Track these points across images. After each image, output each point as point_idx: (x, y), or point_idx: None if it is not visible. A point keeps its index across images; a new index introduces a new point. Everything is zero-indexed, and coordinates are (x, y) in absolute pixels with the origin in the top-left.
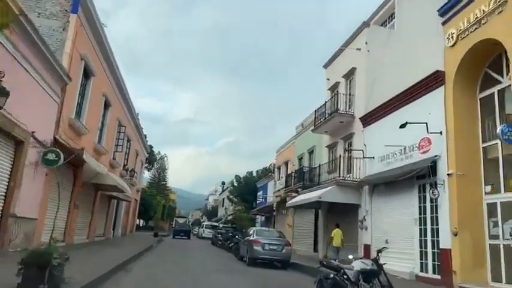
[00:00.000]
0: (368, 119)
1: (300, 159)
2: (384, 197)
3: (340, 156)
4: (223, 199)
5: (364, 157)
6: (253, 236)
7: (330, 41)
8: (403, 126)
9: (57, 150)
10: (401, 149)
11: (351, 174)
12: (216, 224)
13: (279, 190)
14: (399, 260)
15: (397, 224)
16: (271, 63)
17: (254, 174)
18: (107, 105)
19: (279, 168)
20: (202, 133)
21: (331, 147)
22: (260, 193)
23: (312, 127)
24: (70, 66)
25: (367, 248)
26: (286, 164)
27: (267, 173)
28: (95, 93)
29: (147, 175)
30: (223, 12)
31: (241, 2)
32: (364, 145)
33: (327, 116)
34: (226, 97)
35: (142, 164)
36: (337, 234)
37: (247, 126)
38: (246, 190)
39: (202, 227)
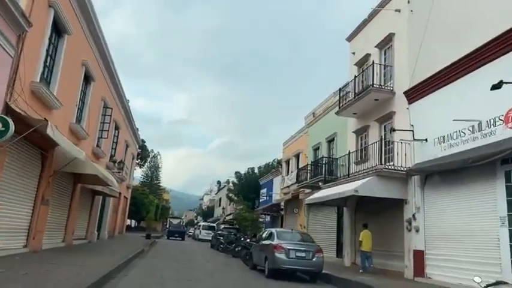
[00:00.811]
0: (416, 93)
1: (316, 149)
2: (443, 189)
3: (382, 139)
4: (220, 198)
5: (415, 139)
6: (274, 240)
7: (327, 41)
8: (496, 87)
9: (4, 117)
10: (474, 125)
11: (392, 163)
12: (214, 224)
13: (288, 186)
14: (475, 273)
15: (467, 225)
16: (266, 64)
17: (256, 171)
18: (88, 79)
19: (287, 162)
20: (196, 134)
21: (360, 132)
22: (264, 191)
23: (328, 112)
24: (31, 10)
25: (418, 254)
26: (297, 156)
27: (269, 169)
28: (71, 59)
29: (139, 173)
30: (217, 13)
31: (234, 3)
32: (411, 125)
33: (356, 94)
34: (220, 98)
35: (134, 158)
36: (366, 237)
37: (241, 127)
38: (247, 188)
39: (199, 228)
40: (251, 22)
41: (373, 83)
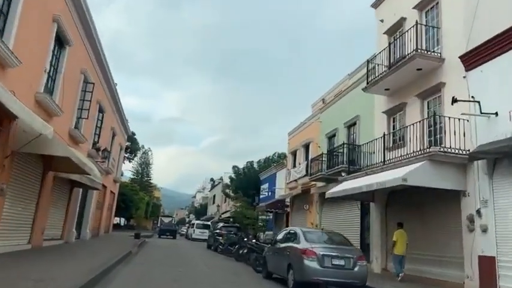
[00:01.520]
0: (478, 57)
1: (331, 137)
2: None
3: (435, 114)
4: (214, 196)
5: (482, 113)
6: (300, 242)
7: (326, 41)
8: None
9: None
10: None
11: (442, 146)
12: (209, 223)
13: (295, 180)
14: None
15: None
16: (261, 64)
17: (255, 165)
18: (61, 41)
19: (293, 153)
20: (188, 132)
21: (394, 112)
22: (265, 186)
23: (346, 93)
24: None
25: (486, 261)
26: (307, 146)
27: (270, 163)
28: (37, 8)
29: (128, 167)
30: (213, 11)
31: (229, 1)
32: (472, 98)
33: (391, 65)
34: (214, 97)
35: (122, 149)
36: (401, 237)
37: (235, 126)
38: (246, 183)
39: (193, 227)
40: (248, 20)
41: (417, 47)
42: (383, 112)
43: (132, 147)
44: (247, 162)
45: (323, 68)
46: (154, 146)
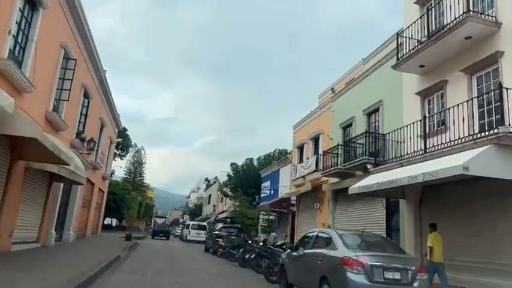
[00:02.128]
0: None
1: (346, 127)
2: None
3: (501, 85)
4: (210, 195)
5: None
6: (338, 248)
7: (322, 41)
8: None
9: None
10: None
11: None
12: (205, 223)
13: (303, 176)
14: None
15: None
16: (254, 64)
17: (255, 162)
18: (34, 4)
19: (300, 148)
20: (182, 133)
21: (430, 92)
22: (266, 184)
23: (363, 78)
24: None
25: None
26: (316, 139)
27: (271, 160)
28: None
29: (120, 165)
30: (206, 9)
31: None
32: None
33: (430, 35)
34: (208, 96)
35: (112, 144)
36: (437, 242)
37: (228, 126)
38: (245, 181)
39: (188, 228)
40: (243, 20)
41: (468, 9)
42: (416, 94)
43: (123, 144)
44: (247, 159)
45: (319, 68)
46: (147, 147)
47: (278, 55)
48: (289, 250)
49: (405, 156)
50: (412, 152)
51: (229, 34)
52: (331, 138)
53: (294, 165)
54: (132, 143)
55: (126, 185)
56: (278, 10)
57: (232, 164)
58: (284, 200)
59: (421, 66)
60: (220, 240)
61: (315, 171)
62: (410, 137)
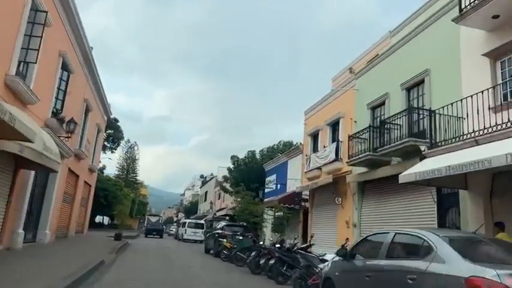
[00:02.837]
0: None
1: (376, 107)
2: None
3: None
4: (206, 192)
5: None
6: (449, 261)
7: (318, 41)
8: None
9: None
10: None
11: None
12: (202, 221)
13: (318, 167)
14: None
15: None
16: (250, 63)
17: (257, 156)
18: None
19: (314, 135)
20: (176, 131)
21: (505, 51)
22: (271, 178)
23: (399, 46)
24: None
25: None
26: (335, 124)
27: (275, 152)
28: None
29: (109, 158)
30: (201, 8)
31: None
32: None
33: None
34: (203, 95)
35: (100, 132)
36: None
37: (222, 125)
38: (247, 175)
39: (184, 226)
40: (240, 20)
41: None
42: (484, 55)
43: (115, 136)
44: (249, 151)
45: (317, 67)
46: (141, 145)
47: (275, 55)
48: (337, 258)
49: (470, 135)
50: (481, 128)
51: (225, 33)
52: (355, 122)
53: (306, 155)
54: (124, 136)
55: (118, 181)
56: (275, 10)
57: (232, 157)
58: (295, 194)
59: (495, 17)
60: (225, 240)
61: (334, 160)
62: (476, 111)
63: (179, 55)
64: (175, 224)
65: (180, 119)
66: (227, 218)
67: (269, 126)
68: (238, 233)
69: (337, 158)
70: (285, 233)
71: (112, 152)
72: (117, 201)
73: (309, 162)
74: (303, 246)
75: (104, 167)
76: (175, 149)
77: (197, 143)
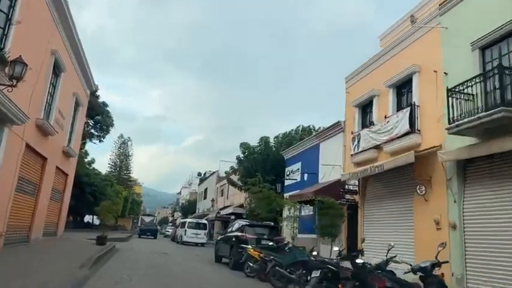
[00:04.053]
0: None
1: (488, 46)
2: None
3: None
4: (206, 189)
5: None
6: None
7: (313, 42)
8: None
9: None
10: None
11: None
12: (204, 221)
13: (376, 146)
14: None
15: None
16: (244, 64)
17: (271, 143)
18: None
19: (363, 106)
20: (171, 131)
21: None
22: (294, 167)
23: None
24: None
25: None
26: (405, 83)
27: (292, 139)
28: None
29: (94, 143)
30: (196, 8)
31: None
32: None
33: None
34: (198, 95)
35: (80, 107)
36: None
37: (217, 125)
38: (261, 165)
39: (183, 227)
40: (234, 19)
41: None
42: None
43: (103, 122)
44: (262, 138)
45: (310, 69)
46: (135, 145)
47: (270, 54)
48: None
49: None
50: None
51: (220, 33)
52: (445, 74)
53: (352, 133)
54: (114, 123)
55: (108, 176)
56: (271, 9)
57: (242, 145)
58: (338, 185)
59: None
60: (250, 248)
61: (407, 133)
62: None
63: (174, 55)
64: (170, 224)
65: (175, 118)
66: (232, 217)
67: (264, 126)
68: (265, 236)
69: (412, 130)
70: (337, 238)
71: (100, 141)
72: (106, 198)
73: (358, 142)
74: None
75: (92, 160)
76: (170, 149)
77: (192, 143)
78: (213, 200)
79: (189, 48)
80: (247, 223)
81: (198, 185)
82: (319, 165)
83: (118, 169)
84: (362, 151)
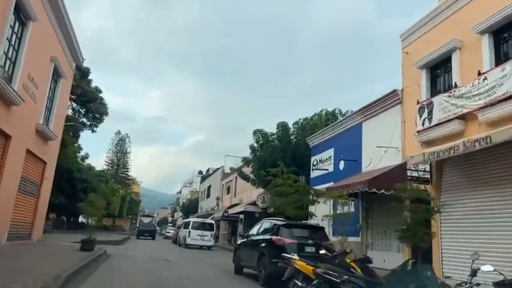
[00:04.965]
0: None
1: None
2: None
3: None
4: (209, 187)
5: None
6: None
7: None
8: None
9: None
10: None
11: None
12: (211, 221)
13: (461, 117)
14: None
15: None
16: (245, 64)
17: (291, 130)
18: None
19: (434, 66)
20: (170, 131)
21: None
22: (324, 155)
23: None
24: None
25: None
26: (508, 26)
27: (315, 125)
28: None
29: (78, 124)
30: (197, 10)
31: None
32: None
33: None
34: (198, 95)
35: (62, 79)
36: None
37: (217, 125)
38: (281, 155)
39: (187, 228)
40: (235, 19)
41: None
42: None
43: (95, 110)
44: (278, 123)
45: (310, 69)
46: (135, 146)
47: (271, 55)
48: None
49: None
50: None
51: (221, 33)
52: None
53: (419, 102)
54: (109, 111)
55: (103, 172)
56: (272, 10)
57: (256, 132)
58: (400, 170)
59: None
60: (299, 260)
61: None
62: None
63: (174, 55)
64: (170, 224)
65: (175, 119)
66: (238, 217)
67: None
68: (309, 241)
69: None
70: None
71: (93, 132)
72: (100, 196)
73: (429, 113)
74: None
75: (86, 156)
76: (170, 149)
77: (192, 143)
78: (218, 198)
79: (189, 48)
80: (284, 223)
81: (200, 183)
82: (362, 150)
83: (115, 167)
84: (437, 125)
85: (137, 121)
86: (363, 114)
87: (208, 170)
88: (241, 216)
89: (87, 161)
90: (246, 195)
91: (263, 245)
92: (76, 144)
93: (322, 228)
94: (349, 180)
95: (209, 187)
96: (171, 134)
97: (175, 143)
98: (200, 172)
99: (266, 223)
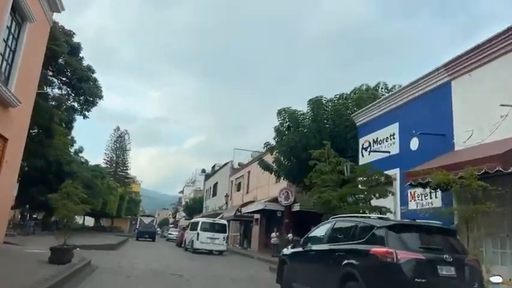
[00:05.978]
0: None
1: None
2: None
3: None
4: (216, 184)
5: None
6: None
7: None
8: None
9: None
10: None
11: None
12: (223, 222)
13: None
14: None
15: None
16: (247, 64)
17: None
18: None
19: None
20: (171, 132)
21: None
22: (383, 134)
23: None
24: None
25: None
26: None
27: (358, 102)
28: None
29: (64, 99)
30: (197, 10)
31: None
32: None
33: None
34: (199, 96)
35: (26, 21)
36: None
37: (218, 125)
38: (317, 140)
39: (195, 229)
40: (236, 19)
41: None
42: None
43: (87, 90)
44: (311, 100)
45: (312, 69)
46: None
47: (271, 55)
48: None
49: None
50: None
51: (221, 34)
52: None
53: None
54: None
55: (98, 166)
56: (273, 9)
57: (281, 112)
58: None
59: None
60: None
61: None
62: None
63: (175, 55)
64: (172, 225)
65: (175, 119)
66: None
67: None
68: (445, 257)
69: None
70: None
71: (84, 118)
72: (94, 193)
73: None
74: None
75: (80, 149)
76: (170, 150)
77: (193, 144)
78: (227, 196)
79: (189, 48)
80: (391, 222)
81: (205, 181)
82: (452, 119)
83: (114, 165)
84: None
85: (137, 122)
86: (453, 68)
87: (214, 166)
88: (256, 216)
89: (86, 159)
90: (262, 191)
91: (351, 261)
92: (69, 137)
93: (454, 232)
94: (455, 158)
95: (215, 184)
96: (172, 135)
97: (175, 144)
98: (203, 170)
99: (343, 222)
